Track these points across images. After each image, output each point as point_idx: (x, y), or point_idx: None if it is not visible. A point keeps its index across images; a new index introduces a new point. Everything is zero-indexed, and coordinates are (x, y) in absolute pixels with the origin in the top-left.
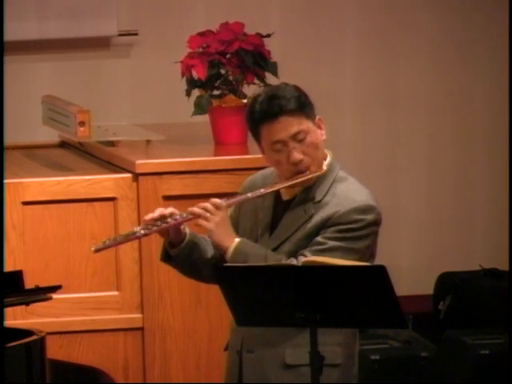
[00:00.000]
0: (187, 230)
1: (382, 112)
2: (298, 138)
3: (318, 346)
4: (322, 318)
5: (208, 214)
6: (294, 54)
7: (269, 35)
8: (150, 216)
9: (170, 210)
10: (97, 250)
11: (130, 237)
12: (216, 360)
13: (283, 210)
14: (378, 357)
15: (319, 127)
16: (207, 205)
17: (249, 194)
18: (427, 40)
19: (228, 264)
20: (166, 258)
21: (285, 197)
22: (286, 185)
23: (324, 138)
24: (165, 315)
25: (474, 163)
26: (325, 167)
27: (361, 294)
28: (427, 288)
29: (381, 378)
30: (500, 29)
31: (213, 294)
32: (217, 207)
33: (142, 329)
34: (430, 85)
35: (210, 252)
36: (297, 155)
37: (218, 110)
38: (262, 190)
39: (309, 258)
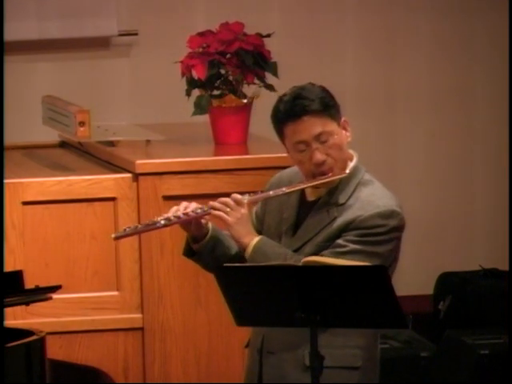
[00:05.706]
0: (210, 226)
1: (382, 111)
2: (320, 139)
3: (338, 349)
4: (322, 318)
5: (228, 209)
6: (294, 54)
7: (269, 35)
8: (174, 209)
9: (193, 204)
10: (117, 238)
11: (151, 226)
12: (216, 360)
13: (307, 211)
14: None
15: (344, 129)
16: (228, 200)
17: (270, 192)
18: (428, 38)
19: (228, 264)
20: (190, 253)
21: (309, 197)
22: (308, 185)
23: (349, 139)
24: (165, 315)
25: (474, 163)
26: (348, 170)
27: (361, 294)
28: (427, 288)
29: (381, 378)
30: (500, 28)
31: (213, 294)
32: (238, 203)
33: (142, 329)
34: (430, 83)
35: (234, 249)
36: (319, 156)
37: (218, 110)
38: (284, 189)
39: (309, 257)
